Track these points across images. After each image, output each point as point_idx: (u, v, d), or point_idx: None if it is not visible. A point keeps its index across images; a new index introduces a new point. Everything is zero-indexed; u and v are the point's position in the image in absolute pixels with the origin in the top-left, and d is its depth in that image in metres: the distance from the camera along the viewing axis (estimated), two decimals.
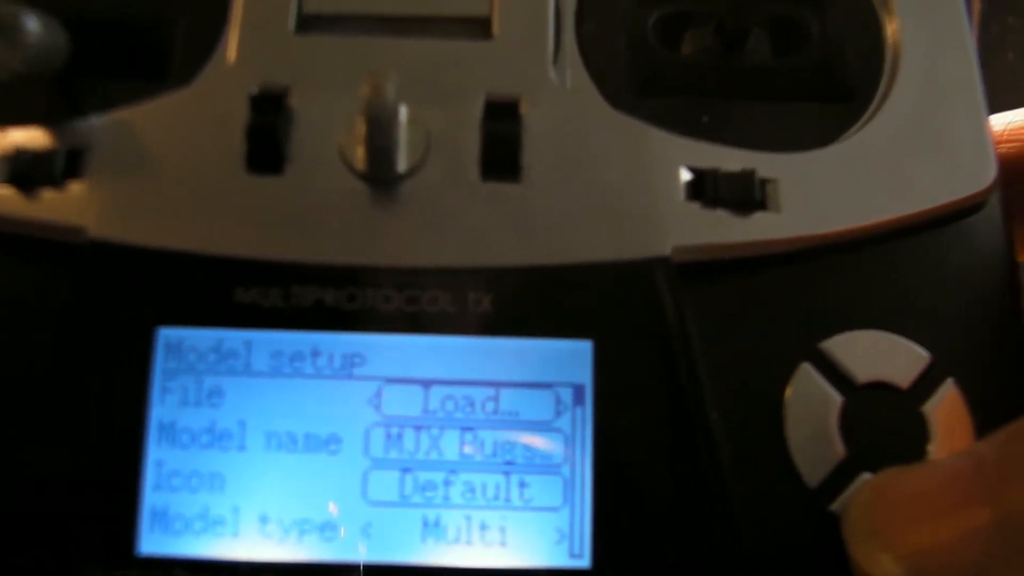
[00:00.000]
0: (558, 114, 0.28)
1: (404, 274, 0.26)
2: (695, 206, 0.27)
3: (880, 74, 0.30)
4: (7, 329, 0.26)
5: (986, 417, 0.26)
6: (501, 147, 0.27)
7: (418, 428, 0.26)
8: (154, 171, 0.27)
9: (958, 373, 0.27)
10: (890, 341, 0.27)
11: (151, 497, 0.25)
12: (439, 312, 0.26)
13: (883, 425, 0.26)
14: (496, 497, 0.25)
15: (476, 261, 0.26)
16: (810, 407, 0.26)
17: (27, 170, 0.27)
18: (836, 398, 0.26)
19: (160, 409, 0.25)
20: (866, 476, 0.26)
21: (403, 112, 0.27)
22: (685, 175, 0.27)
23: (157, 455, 0.25)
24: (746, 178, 0.27)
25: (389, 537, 0.25)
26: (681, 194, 0.27)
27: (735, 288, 0.27)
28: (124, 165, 0.27)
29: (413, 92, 0.27)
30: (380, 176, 0.27)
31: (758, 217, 0.27)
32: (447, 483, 0.25)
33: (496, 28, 0.29)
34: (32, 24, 0.26)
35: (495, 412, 0.26)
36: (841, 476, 0.26)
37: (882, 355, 0.27)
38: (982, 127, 0.29)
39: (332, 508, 0.25)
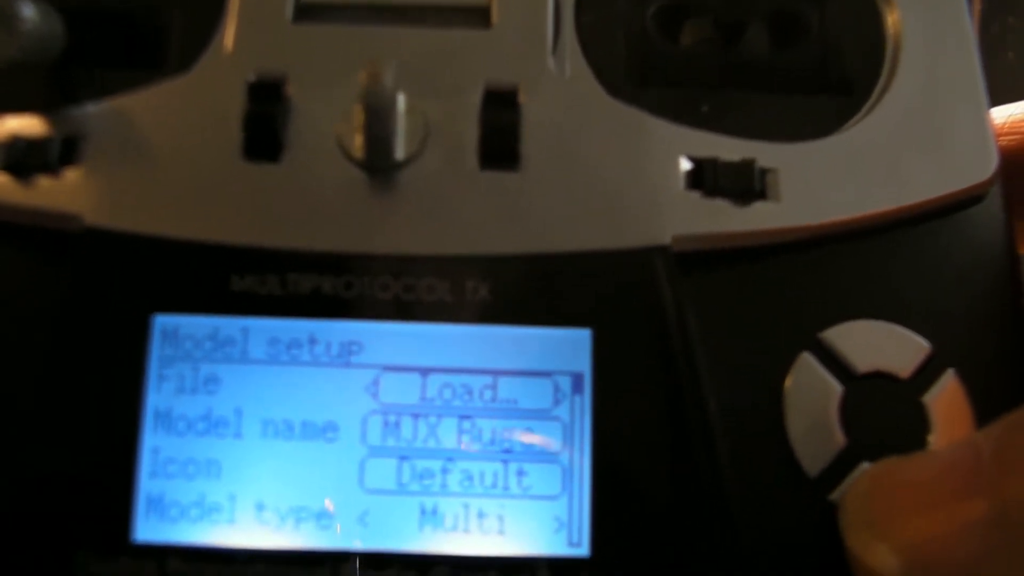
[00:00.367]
0: (557, 103, 0.28)
1: (402, 262, 0.26)
2: (695, 195, 0.27)
3: (880, 66, 0.30)
4: (2, 317, 0.26)
5: (986, 408, 0.26)
6: (500, 136, 0.27)
7: (416, 416, 0.25)
8: (150, 159, 0.27)
9: (959, 364, 0.27)
10: (890, 331, 0.27)
11: (147, 484, 0.25)
12: (437, 300, 0.26)
13: (883, 415, 0.26)
14: (494, 485, 0.25)
15: (474, 249, 0.26)
16: (810, 397, 0.26)
17: (23, 157, 0.27)
18: (836, 388, 0.26)
19: (156, 396, 0.25)
20: (866, 466, 0.26)
21: (401, 101, 0.27)
22: (685, 164, 0.27)
23: (153, 442, 0.25)
24: (746, 167, 0.27)
25: (386, 525, 0.25)
26: (681, 183, 0.27)
27: (734, 277, 0.27)
28: (120, 153, 0.27)
29: (411, 81, 0.27)
30: (378, 164, 0.27)
31: (758, 207, 0.27)
32: (445, 471, 0.25)
33: (495, 17, 0.29)
34: (28, 11, 0.26)
35: (493, 400, 0.26)
36: (841, 466, 0.26)
37: (882, 345, 0.27)
38: (983, 119, 0.29)
39: (328, 504, 0.25)
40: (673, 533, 0.25)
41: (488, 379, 0.26)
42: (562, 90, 0.28)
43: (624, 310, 0.26)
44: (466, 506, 0.25)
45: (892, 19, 0.30)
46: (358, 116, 0.26)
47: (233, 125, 0.27)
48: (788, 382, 0.26)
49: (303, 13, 0.29)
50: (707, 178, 0.27)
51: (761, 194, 0.27)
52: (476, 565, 0.25)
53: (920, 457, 0.24)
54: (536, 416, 0.25)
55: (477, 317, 0.26)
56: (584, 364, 0.26)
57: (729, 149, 0.28)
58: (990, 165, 0.28)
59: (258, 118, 0.27)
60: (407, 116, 0.27)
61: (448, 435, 0.25)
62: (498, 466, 0.25)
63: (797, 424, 0.26)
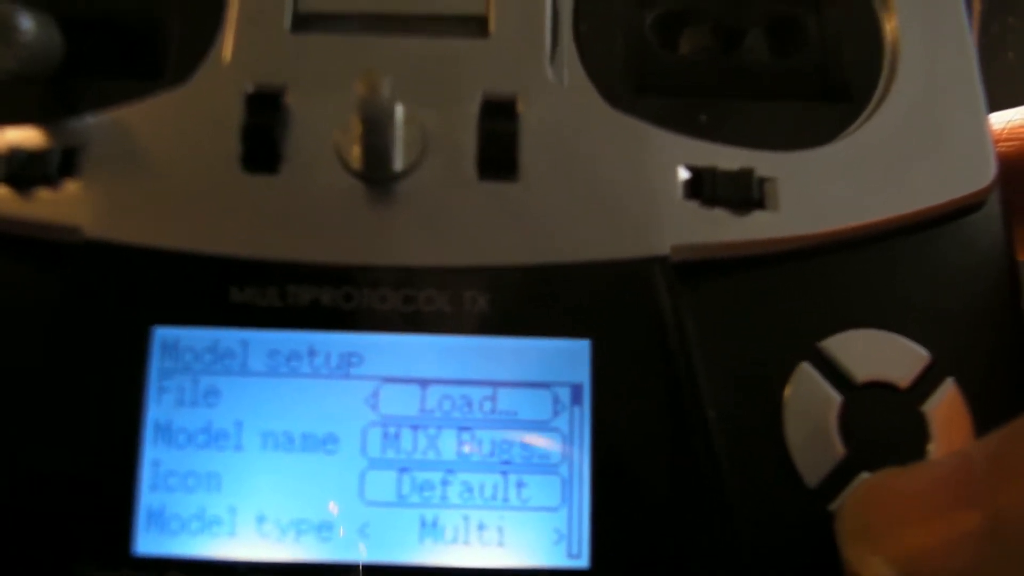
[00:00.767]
0: (555, 112, 0.28)
1: (401, 273, 0.26)
2: (693, 205, 0.27)
3: (879, 73, 0.30)
4: (2, 329, 0.26)
5: (986, 417, 0.26)
6: (498, 146, 0.27)
7: (415, 428, 0.25)
8: (149, 170, 0.27)
9: (958, 373, 0.26)
10: (889, 340, 0.27)
11: (147, 497, 0.25)
12: (436, 311, 0.26)
13: (883, 425, 0.26)
14: (494, 497, 0.25)
15: (473, 260, 0.26)
16: (809, 406, 0.26)
17: (22, 169, 0.27)
18: (835, 397, 0.26)
19: (156, 409, 0.25)
20: (866, 476, 0.25)
21: (399, 111, 0.27)
22: (683, 174, 0.27)
23: (153, 455, 0.25)
24: (744, 177, 0.27)
25: (386, 537, 0.25)
26: (679, 193, 0.27)
27: (733, 287, 0.27)
28: (119, 164, 0.27)
29: (409, 91, 0.27)
30: (376, 175, 0.27)
31: (756, 216, 0.27)
32: (445, 483, 0.25)
33: (493, 26, 0.29)
34: (27, 23, 0.26)
35: (492, 412, 0.26)
36: (840, 476, 0.26)
37: (881, 354, 0.26)
38: (982, 125, 0.28)
39: (332, 508, 0.25)
40: (673, 544, 0.25)
41: (487, 390, 0.26)
42: (560, 99, 0.28)
43: (623, 320, 0.26)
44: (466, 518, 0.25)
45: (891, 26, 0.30)
46: (356, 127, 0.26)
47: (232, 136, 0.27)
48: (787, 392, 0.26)
49: (301, 23, 0.29)
50: (706, 187, 0.27)
51: (760, 203, 0.27)
52: None
53: (915, 468, 0.24)
54: (535, 427, 0.25)
55: (476, 328, 0.26)
56: (583, 375, 0.26)
57: (728, 158, 0.27)
58: (989, 172, 0.28)
59: (256, 129, 0.27)
60: (405, 126, 0.27)
61: (448, 447, 0.25)
62: (498, 478, 0.25)
63: (796, 434, 0.26)
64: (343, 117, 0.27)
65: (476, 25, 0.29)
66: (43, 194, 0.26)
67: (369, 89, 0.25)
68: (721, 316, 0.27)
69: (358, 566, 0.25)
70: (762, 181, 0.27)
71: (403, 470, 0.25)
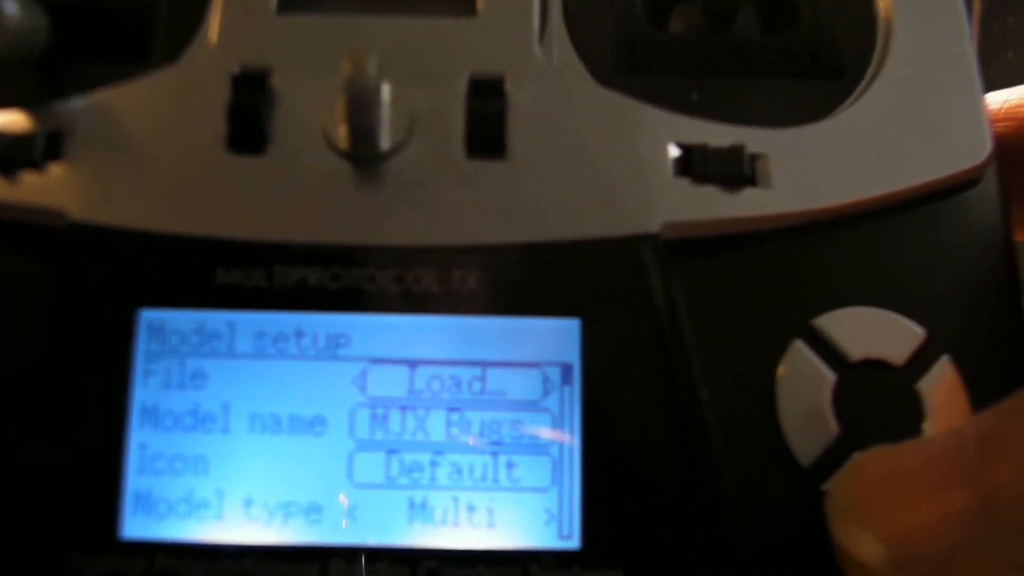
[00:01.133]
0: (544, 91, 0.27)
1: (388, 253, 0.26)
2: (684, 182, 0.27)
3: (872, 49, 0.29)
4: None
5: (982, 395, 0.25)
6: (486, 125, 0.27)
7: (404, 409, 0.25)
8: (135, 153, 0.27)
9: (954, 350, 0.26)
10: (884, 318, 0.26)
11: (134, 481, 0.25)
12: (424, 291, 0.26)
13: (877, 403, 0.26)
14: (483, 478, 0.25)
15: (461, 239, 0.26)
16: (803, 385, 0.26)
17: (7, 153, 0.26)
18: (829, 375, 0.26)
19: (143, 392, 0.25)
20: (860, 455, 0.25)
21: (386, 90, 0.26)
22: (673, 151, 0.27)
23: (140, 438, 0.25)
24: (735, 153, 0.27)
25: (375, 519, 0.25)
26: (669, 170, 0.27)
27: (725, 265, 0.27)
28: (105, 147, 0.27)
29: (397, 70, 0.27)
30: (363, 155, 0.26)
31: (748, 193, 0.27)
32: (434, 464, 0.25)
33: (480, 5, 0.28)
34: (11, 7, 0.26)
35: (482, 392, 0.25)
36: (834, 455, 0.25)
37: (876, 332, 0.26)
38: (976, 101, 0.28)
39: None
40: (664, 524, 0.25)
41: (476, 371, 0.25)
42: (549, 78, 0.28)
43: (613, 299, 0.26)
44: (455, 499, 0.25)
45: (884, 2, 0.30)
46: (342, 106, 0.26)
47: (218, 118, 0.27)
48: (780, 370, 0.26)
49: (288, 4, 0.28)
50: (696, 164, 0.27)
51: (751, 180, 0.27)
52: (466, 559, 0.25)
53: (906, 446, 0.24)
54: (525, 407, 0.25)
55: (465, 308, 0.26)
56: (573, 354, 0.25)
57: (718, 135, 0.27)
58: (984, 148, 0.28)
59: (242, 110, 0.27)
60: (392, 106, 0.27)
61: (437, 428, 0.25)
62: (487, 459, 0.25)
63: (790, 413, 0.26)
64: (330, 98, 0.27)
65: (464, 4, 0.28)
66: (28, 178, 0.26)
67: (355, 68, 0.25)
68: (713, 294, 0.26)
69: (346, 548, 0.24)
70: (753, 158, 0.27)
71: (391, 451, 0.25)
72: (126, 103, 0.27)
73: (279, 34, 0.28)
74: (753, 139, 0.27)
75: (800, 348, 0.26)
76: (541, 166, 0.27)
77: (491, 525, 0.25)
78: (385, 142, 0.26)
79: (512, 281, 0.26)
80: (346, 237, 0.26)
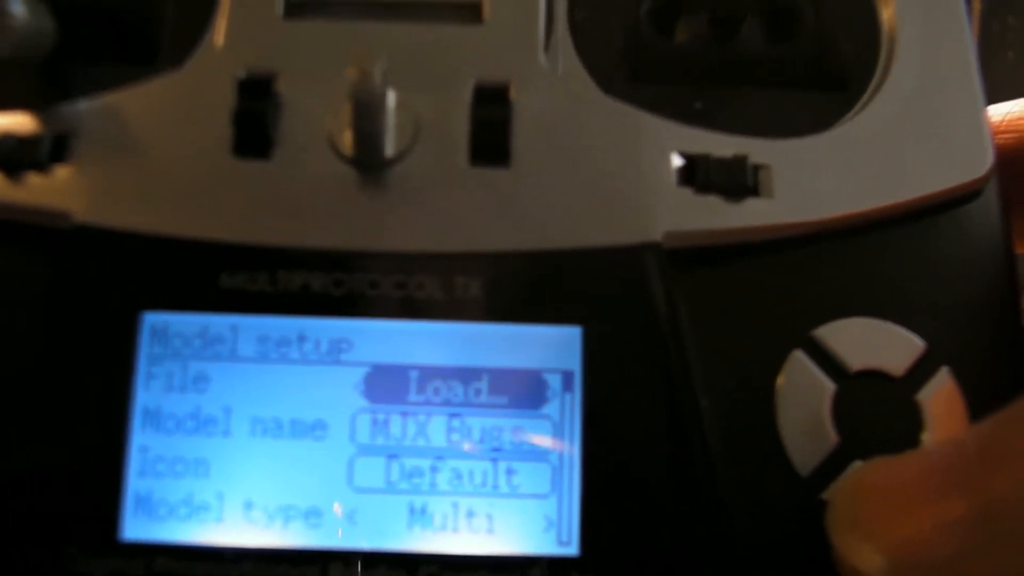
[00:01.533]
0: (548, 99, 0.28)
1: (391, 259, 0.26)
2: (687, 192, 0.27)
3: (876, 61, 0.30)
4: None
5: (982, 406, 0.25)
6: (490, 132, 0.27)
7: (404, 414, 0.25)
8: (140, 156, 0.27)
9: (954, 361, 0.26)
10: (884, 329, 0.26)
11: (135, 483, 0.25)
12: (427, 297, 0.26)
13: (876, 413, 0.26)
14: (483, 484, 0.25)
15: (464, 246, 0.26)
16: (802, 395, 0.26)
17: (13, 155, 0.27)
18: (828, 386, 0.26)
19: (145, 394, 0.25)
20: (858, 465, 0.25)
21: (391, 97, 0.27)
22: (676, 161, 0.27)
23: (142, 441, 0.25)
24: (738, 164, 0.27)
25: (375, 524, 0.25)
26: (673, 180, 0.27)
27: (727, 274, 0.27)
28: (110, 150, 0.27)
29: (402, 77, 0.27)
30: (367, 161, 0.27)
31: (750, 203, 0.27)
32: (434, 470, 0.25)
33: (486, 13, 0.29)
34: (17, 9, 0.26)
35: (483, 398, 0.25)
36: (833, 465, 0.25)
37: (876, 343, 0.26)
38: (979, 114, 0.28)
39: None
40: (664, 532, 0.25)
41: (478, 377, 0.25)
42: (554, 86, 0.28)
43: (615, 307, 0.26)
44: (455, 505, 0.25)
45: (888, 14, 0.30)
46: (347, 112, 0.26)
47: (223, 122, 0.27)
48: (780, 380, 0.26)
49: (294, 9, 0.29)
50: (699, 174, 0.27)
51: (753, 190, 0.27)
52: (465, 564, 0.25)
53: (906, 456, 0.24)
54: (526, 414, 0.25)
55: (467, 314, 0.26)
56: (574, 362, 0.25)
57: (721, 145, 0.27)
58: (986, 160, 0.28)
59: (248, 115, 0.27)
60: (397, 112, 0.27)
61: (437, 433, 0.25)
62: (487, 465, 0.25)
63: (789, 423, 0.26)
64: (335, 103, 0.27)
65: (470, 12, 0.29)
66: (34, 179, 0.26)
67: (361, 74, 0.25)
68: (714, 303, 0.26)
69: (346, 553, 0.25)
70: (756, 168, 0.27)
71: (392, 456, 0.25)
72: (132, 106, 0.27)
73: (285, 39, 0.28)
74: (756, 150, 0.27)
75: (800, 358, 0.26)
76: (544, 174, 0.27)
77: (490, 531, 0.25)
78: (390, 148, 0.27)
79: (514, 288, 0.26)
80: (350, 243, 0.26)
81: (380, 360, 0.26)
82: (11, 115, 0.27)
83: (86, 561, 0.24)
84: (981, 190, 0.28)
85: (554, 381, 0.25)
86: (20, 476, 0.25)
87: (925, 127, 0.28)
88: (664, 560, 0.25)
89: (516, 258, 0.26)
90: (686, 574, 0.25)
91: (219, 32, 0.28)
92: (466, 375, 0.25)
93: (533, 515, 0.25)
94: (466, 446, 0.25)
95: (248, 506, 0.25)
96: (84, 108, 0.27)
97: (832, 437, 0.25)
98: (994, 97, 0.30)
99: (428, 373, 0.25)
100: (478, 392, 0.25)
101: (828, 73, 0.30)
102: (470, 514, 0.25)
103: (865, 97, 0.29)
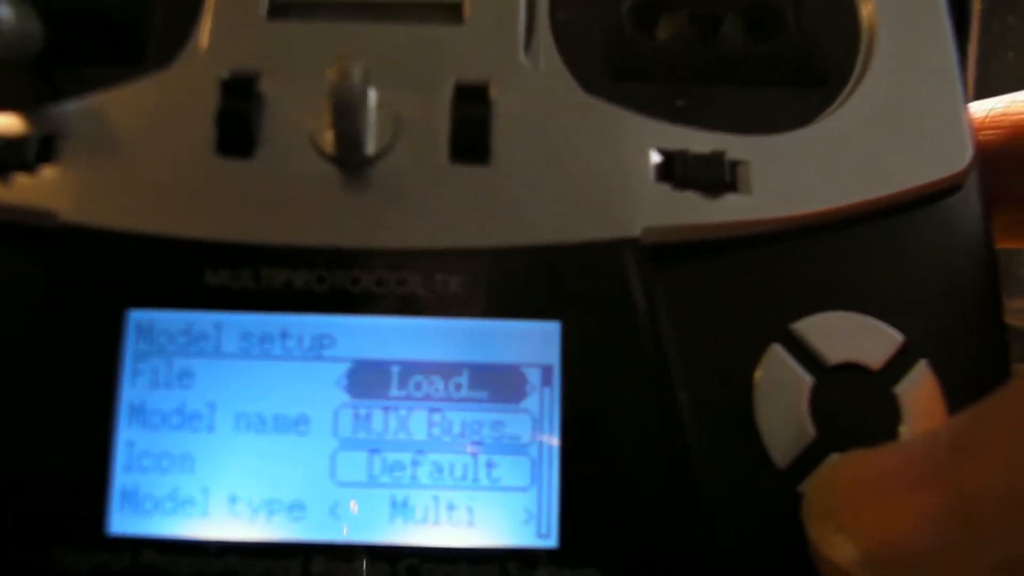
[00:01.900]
0: (528, 98, 0.28)
1: (373, 256, 0.26)
2: (665, 188, 0.27)
3: (855, 57, 0.30)
4: None
5: (961, 399, 0.26)
6: (470, 130, 0.27)
7: (386, 409, 0.26)
8: (126, 156, 0.27)
9: (932, 354, 0.27)
10: (862, 322, 0.27)
11: (121, 478, 0.25)
12: (408, 293, 0.26)
13: (854, 406, 0.26)
14: (464, 477, 0.25)
15: (445, 243, 0.26)
16: (780, 388, 0.26)
17: (1, 155, 0.27)
18: (806, 379, 0.26)
19: (131, 390, 0.26)
20: (836, 457, 0.26)
21: (372, 96, 0.27)
22: (655, 157, 0.27)
23: (128, 436, 0.25)
24: (716, 160, 0.27)
25: (358, 517, 0.25)
26: (651, 176, 0.27)
27: (705, 269, 0.27)
28: (97, 150, 0.27)
29: (384, 76, 0.27)
30: (349, 160, 0.27)
31: (728, 199, 0.27)
32: (415, 463, 0.25)
33: (467, 12, 0.29)
34: (5, 13, 0.26)
35: (463, 393, 0.26)
36: (811, 457, 0.26)
37: (853, 336, 0.27)
38: (958, 108, 0.28)
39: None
40: (642, 524, 0.25)
41: (458, 372, 0.26)
42: (534, 85, 0.28)
43: (593, 302, 0.26)
44: (436, 498, 0.25)
45: (867, 10, 0.30)
46: (328, 112, 0.26)
47: (207, 122, 0.27)
48: (758, 374, 0.26)
49: (278, 10, 0.29)
50: (677, 170, 0.27)
51: (732, 186, 0.27)
52: (446, 556, 0.25)
53: (882, 449, 0.24)
54: (506, 408, 0.26)
55: (448, 310, 0.26)
56: (553, 356, 0.26)
57: (700, 142, 0.28)
58: (965, 155, 0.28)
59: (231, 115, 0.27)
60: (378, 111, 0.27)
61: (418, 428, 0.26)
62: (468, 458, 0.25)
63: (767, 416, 0.26)
64: (317, 102, 0.27)
65: (451, 12, 0.29)
66: (21, 179, 0.27)
67: (341, 75, 0.25)
68: (693, 298, 0.27)
69: (329, 546, 0.25)
70: (734, 164, 0.27)
71: (374, 451, 0.25)
72: (118, 107, 0.28)
73: (269, 39, 0.28)
74: (735, 146, 0.28)
75: (778, 352, 0.26)
76: (524, 171, 0.27)
77: (471, 524, 0.25)
78: (371, 147, 0.27)
79: (494, 284, 0.26)
80: (331, 240, 0.26)
81: (362, 356, 0.26)
82: (0, 116, 0.28)
83: (73, 555, 0.25)
84: (961, 184, 0.28)
85: (533, 376, 0.26)
86: (7, 471, 0.25)
87: (904, 122, 0.28)
88: (642, 552, 0.25)
89: (496, 254, 0.26)
90: (665, 565, 0.25)
91: (204, 33, 0.28)
92: (447, 370, 0.26)
93: (513, 508, 0.25)
94: (446, 440, 0.25)
95: (232, 500, 0.25)
96: (71, 109, 0.28)
97: (810, 430, 0.26)
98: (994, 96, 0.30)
99: (409, 368, 0.26)
100: (459, 387, 0.26)
101: (808, 69, 0.30)
102: (451, 507, 0.25)
103: (845, 93, 0.29)
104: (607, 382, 0.26)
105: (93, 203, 0.27)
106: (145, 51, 0.29)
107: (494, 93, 0.28)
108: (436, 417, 0.26)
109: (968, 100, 0.29)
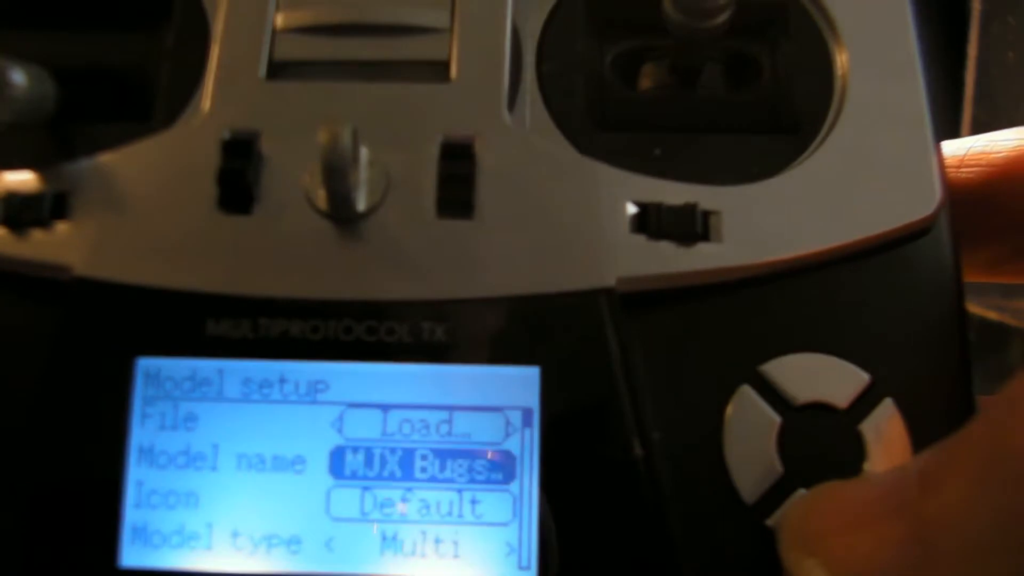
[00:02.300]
0: (511, 154, 0.29)
1: (364, 307, 0.28)
2: (640, 238, 0.28)
3: (828, 105, 0.31)
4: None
5: (927, 436, 0.27)
6: (455, 186, 0.29)
7: (377, 449, 0.27)
8: (134, 212, 0.29)
9: (898, 393, 0.28)
10: (829, 363, 0.28)
11: (132, 514, 0.27)
12: (396, 342, 0.28)
13: (820, 444, 0.27)
14: (450, 513, 0.27)
15: (431, 294, 0.28)
16: (749, 427, 0.28)
17: (17, 212, 0.29)
18: (775, 419, 0.27)
19: (140, 433, 0.28)
20: (803, 492, 0.27)
21: (364, 154, 0.29)
22: (631, 209, 0.29)
23: (137, 475, 0.27)
24: (688, 211, 0.29)
25: (350, 550, 0.27)
26: (627, 227, 0.29)
27: (677, 315, 0.28)
28: (106, 207, 0.29)
29: (374, 134, 0.29)
30: (341, 216, 0.28)
31: (700, 248, 0.28)
32: (404, 500, 0.27)
33: (454, 71, 0.30)
34: (18, 78, 0.28)
35: (449, 434, 0.27)
36: (778, 493, 0.27)
37: (821, 377, 0.28)
38: (928, 153, 0.29)
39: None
40: (616, 557, 0.27)
41: (444, 414, 0.27)
42: (516, 141, 0.30)
43: (570, 348, 0.28)
44: (424, 533, 0.27)
45: (841, 59, 0.31)
46: (320, 172, 0.28)
47: (209, 179, 0.29)
48: (728, 413, 0.28)
49: (276, 70, 0.30)
50: (651, 222, 0.29)
51: (704, 235, 0.28)
52: None
53: (854, 481, 0.26)
54: (488, 448, 0.27)
55: (434, 357, 0.28)
56: (533, 400, 0.27)
57: (674, 193, 0.29)
58: (934, 199, 0.29)
59: (230, 174, 0.29)
60: (369, 168, 0.29)
61: (407, 467, 0.27)
62: (453, 495, 0.27)
63: (736, 454, 0.27)
64: (312, 160, 0.29)
65: (439, 70, 0.30)
66: (36, 235, 0.29)
67: (330, 139, 0.27)
68: (665, 342, 0.28)
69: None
70: (706, 214, 0.29)
71: (366, 488, 0.27)
72: (126, 165, 0.29)
73: (266, 100, 0.30)
74: (707, 196, 0.29)
75: (747, 392, 0.28)
76: (506, 225, 0.29)
77: (456, 556, 0.27)
78: (361, 204, 0.29)
79: (477, 332, 0.28)
80: (325, 292, 0.28)
81: (354, 399, 0.28)
82: (15, 174, 0.29)
83: None
84: (930, 228, 0.29)
85: (515, 418, 0.27)
86: (25, 508, 0.27)
87: (874, 168, 0.29)
88: None
89: (479, 304, 0.28)
90: None
91: (206, 94, 0.30)
92: (433, 412, 0.28)
93: (496, 541, 0.27)
94: (434, 478, 0.27)
95: (235, 535, 0.27)
96: (82, 167, 0.29)
97: (777, 467, 0.27)
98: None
99: (398, 411, 0.28)
100: (445, 428, 0.27)
101: (782, 117, 0.31)
102: (438, 540, 0.27)
103: (817, 140, 0.30)
104: (583, 423, 0.27)
105: (103, 257, 0.28)
106: (153, 107, 0.31)
107: (478, 150, 0.29)
108: (423, 456, 0.27)
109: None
